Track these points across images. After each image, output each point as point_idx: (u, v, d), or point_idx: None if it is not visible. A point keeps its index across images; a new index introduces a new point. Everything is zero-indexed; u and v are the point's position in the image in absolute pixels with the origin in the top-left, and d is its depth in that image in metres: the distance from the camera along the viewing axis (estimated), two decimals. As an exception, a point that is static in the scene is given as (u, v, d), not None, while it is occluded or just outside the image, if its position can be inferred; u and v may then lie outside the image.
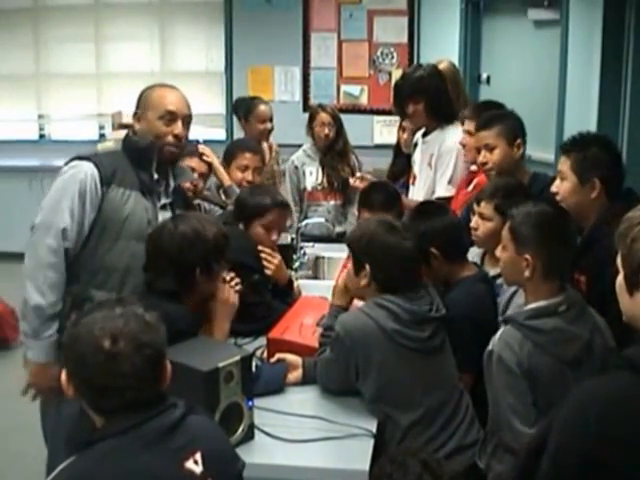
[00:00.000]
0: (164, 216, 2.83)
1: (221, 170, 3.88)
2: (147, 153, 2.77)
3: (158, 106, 2.77)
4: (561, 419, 1.56)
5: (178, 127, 2.78)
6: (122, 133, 2.99)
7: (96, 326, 1.61)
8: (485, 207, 2.86)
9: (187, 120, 2.83)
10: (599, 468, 1.49)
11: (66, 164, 2.77)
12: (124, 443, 1.59)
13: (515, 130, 3.23)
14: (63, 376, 1.65)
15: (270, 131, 4.82)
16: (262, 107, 4.79)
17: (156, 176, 2.81)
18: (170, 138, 2.78)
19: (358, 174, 4.30)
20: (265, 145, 4.79)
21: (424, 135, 4.09)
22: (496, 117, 3.29)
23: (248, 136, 4.69)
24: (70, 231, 2.66)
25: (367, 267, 2.52)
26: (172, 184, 2.89)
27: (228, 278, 2.76)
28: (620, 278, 1.63)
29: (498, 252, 2.47)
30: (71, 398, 1.67)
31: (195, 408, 1.74)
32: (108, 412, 1.63)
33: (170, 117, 2.77)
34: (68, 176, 2.71)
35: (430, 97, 3.92)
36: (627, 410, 1.50)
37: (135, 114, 2.83)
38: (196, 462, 1.66)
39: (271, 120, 4.80)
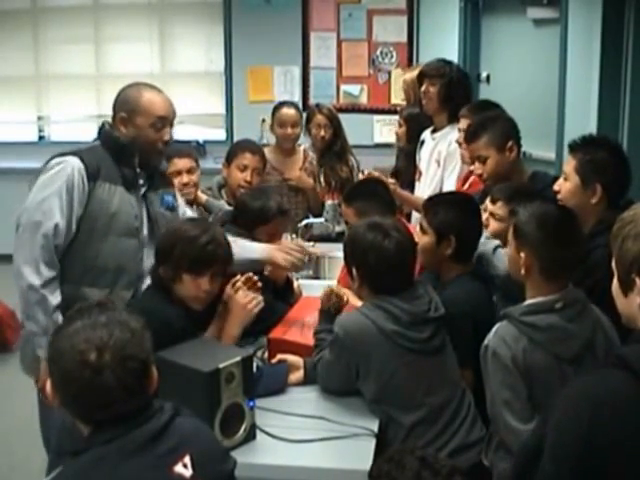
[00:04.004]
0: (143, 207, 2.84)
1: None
2: (129, 149, 2.76)
3: (149, 113, 2.76)
4: (555, 418, 1.56)
5: (168, 133, 2.80)
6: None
7: (80, 338, 1.56)
8: (500, 208, 2.86)
9: (173, 122, 2.84)
10: (596, 468, 1.48)
11: (48, 162, 2.73)
12: (110, 452, 1.56)
13: (504, 134, 3.16)
14: (48, 386, 1.62)
15: (293, 137, 4.68)
16: (283, 110, 4.68)
17: (138, 170, 2.81)
18: (160, 145, 2.79)
19: (366, 171, 4.26)
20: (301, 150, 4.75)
21: (433, 132, 4.11)
22: (481, 126, 3.21)
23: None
24: (60, 228, 2.64)
25: (354, 269, 2.53)
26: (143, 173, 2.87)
27: (245, 280, 2.76)
28: (615, 280, 1.63)
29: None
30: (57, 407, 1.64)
31: (182, 410, 1.70)
32: (94, 422, 1.59)
33: (161, 123, 2.77)
34: (55, 172, 2.68)
35: (446, 83, 4.03)
36: (618, 411, 1.50)
37: (120, 117, 2.79)
38: (185, 465, 1.63)
39: (293, 126, 4.63)
